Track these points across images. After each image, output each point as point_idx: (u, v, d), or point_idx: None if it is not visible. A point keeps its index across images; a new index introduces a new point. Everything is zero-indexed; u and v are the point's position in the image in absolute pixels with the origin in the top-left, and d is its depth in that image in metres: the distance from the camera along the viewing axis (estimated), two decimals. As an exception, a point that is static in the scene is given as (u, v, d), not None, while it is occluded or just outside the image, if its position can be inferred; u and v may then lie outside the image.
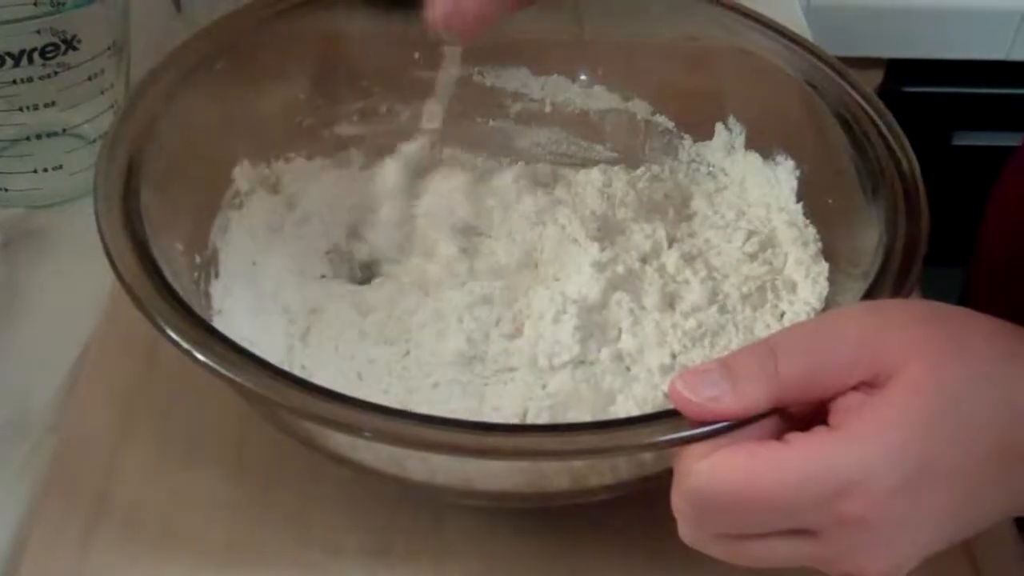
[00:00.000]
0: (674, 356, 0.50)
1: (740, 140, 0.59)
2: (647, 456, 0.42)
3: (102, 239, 0.44)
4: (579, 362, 0.49)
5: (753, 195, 0.58)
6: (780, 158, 0.57)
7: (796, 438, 0.37)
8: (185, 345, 0.40)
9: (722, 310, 0.52)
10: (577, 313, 0.50)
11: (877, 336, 0.37)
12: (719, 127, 0.60)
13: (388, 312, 0.52)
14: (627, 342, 0.50)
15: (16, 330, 0.57)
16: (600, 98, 0.62)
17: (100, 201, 0.45)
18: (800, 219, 0.56)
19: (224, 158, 0.55)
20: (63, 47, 0.58)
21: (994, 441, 0.37)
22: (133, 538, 0.47)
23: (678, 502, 0.38)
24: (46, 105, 0.60)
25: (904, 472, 0.36)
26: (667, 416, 0.39)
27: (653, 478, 0.44)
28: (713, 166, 0.60)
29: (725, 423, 0.37)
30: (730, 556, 0.38)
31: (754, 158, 0.58)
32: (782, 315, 0.52)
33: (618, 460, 0.43)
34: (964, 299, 0.74)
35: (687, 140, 0.61)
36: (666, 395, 0.47)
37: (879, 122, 0.52)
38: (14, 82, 0.58)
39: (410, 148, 0.57)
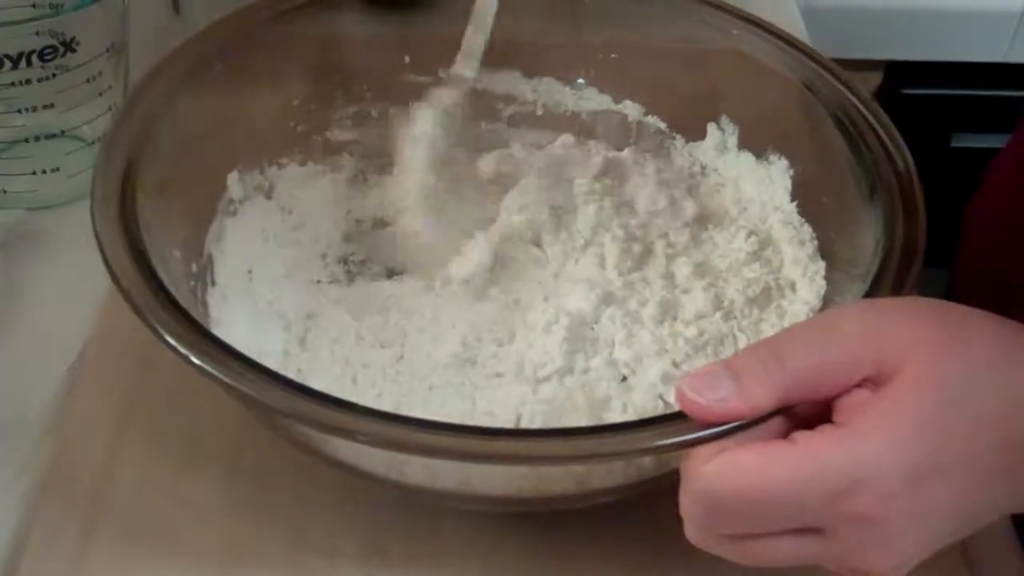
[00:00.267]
0: (676, 365, 0.50)
1: (733, 140, 0.59)
2: (649, 459, 0.42)
3: (99, 243, 0.44)
4: (566, 373, 0.49)
5: (748, 195, 0.58)
6: (773, 157, 0.57)
7: (802, 437, 0.37)
8: (182, 349, 0.40)
9: (727, 316, 0.52)
10: (568, 325, 0.50)
11: (879, 334, 0.38)
12: (711, 127, 0.60)
13: (384, 316, 0.52)
14: (621, 353, 0.50)
15: (14, 331, 0.57)
16: (591, 100, 0.62)
17: (97, 203, 0.45)
18: (795, 218, 0.56)
19: (221, 162, 0.55)
20: (62, 49, 0.59)
21: (994, 434, 0.37)
22: (130, 540, 0.47)
23: (687, 504, 0.38)
24: (45, 107, 0.60)
25: (910, 468, 0.36)
26: (671, 419, 0.39)
27: (652, 481, 0.44)
28: (706, 166, 0.60)
29: (731, 424, 0.37)
30: (737, 556, 0.39)
31: (747, 158, 0.59)
32: (784, 315, 0.52)
33: (622, 464, 0.43)
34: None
35: (679, 140, 0.61)
36: (668, 404, 0.48)
37: (875, 124, 0.52)
38: (13, 84, 0.59)
39: (442, 95, 0.56)
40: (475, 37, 0.55)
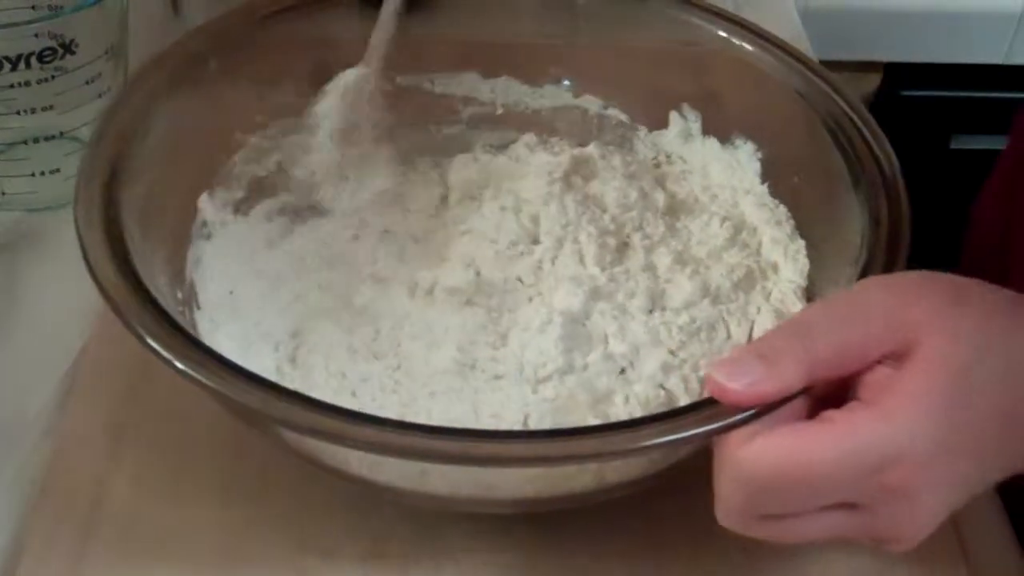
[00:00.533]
0: (672, 353, 0.50)
1: (696, 127, 0.59)
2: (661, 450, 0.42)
3: (89, 269, 0.44)
4: (565, 371, 0.49)
5: (716, 180, 0.58)
6: (739, 141, 0.58)
7: (834, 416, 0.38)
8: (180, 365, 0.40)
9: (715, 302, 0.52)
10: (562, 324, 0.50)
11: (897, 311, 0.39)
12: (674, 115, 0.60)
13: (374, 327, 0.52)
14: (617, 346, 0.50)
15: (12, 334, 0.57)
16: (550, 96, 0.62)
17: (80, 205, 0.46)
18: (769, 200, 0.56)
19: (196, 183, 0.54)
20: (61, 51, 0.59)
21: (1003, 404, 0.39)
22: (128, 543, 0.47)
23: (726, 489, 0.39)
24: (44, 109, 0.60)
25: (936, 439, 0.38)
26: (702, 407, 0.39)
27: (663, 473, 0.44)
28: (671, 154, 0.60)
29: (761, 408, 0.38)
30: (774, 536, 0.40)
31: (712, 143, 0.59)
32: (769, 295, 0.53)
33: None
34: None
35: (642, 131, 0.61)
36: (669, 392, 0.48)
37: (852, 115, 0.52)
38: (12, 86, 0.59)
39: (348, 77, 0.56)
40: (378, 34, 0.56)
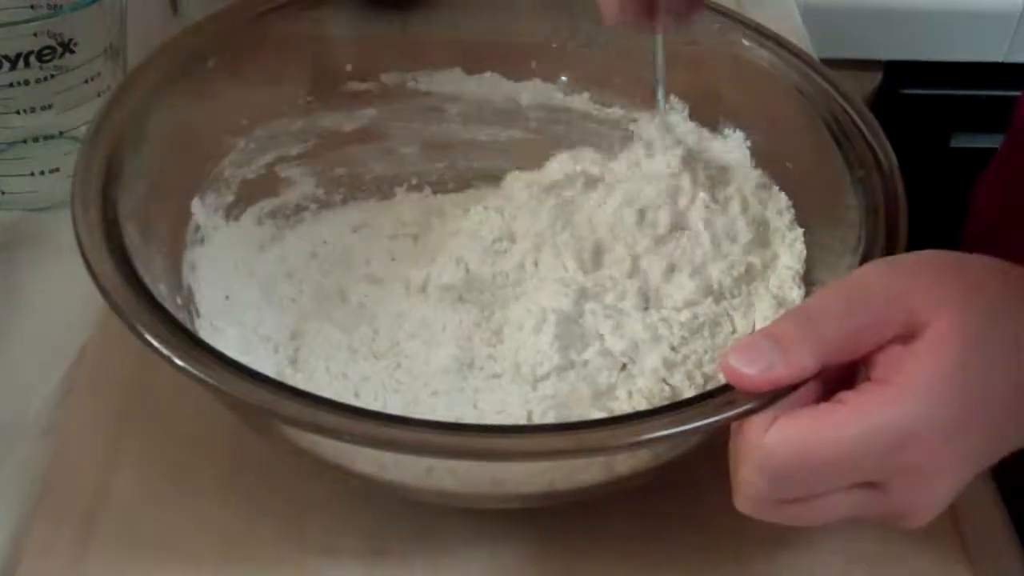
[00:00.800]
0: (674, 349, 0.50)
1: (684, 116, 0.59)
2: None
3: (86, 263, 0.44)
4: (565, 368, 0.49)
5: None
6: (728, 130, 0.58)
7: (849, 397, 0.38)
8: (180, 362, 0.40)
9: (718, 299, 0.53)
10: (556, 322, 0.50)
11: (907, 293, 0.39)
12: (665, 108, 0.59)
13: (372, 326, 0.52)
14: (615, 343, 0.50)
15: (12, 333, 0.57)
16: (537, 92, 0.62)
17: (77, 204, 0.45)
18: (769, 184, 0.56)
19: (189, 188, 0.54)
20: (60, 50, 0.59)
21: (1013, 378, 0.39)
22: (129, 541, 0.47)
23: (747, 475, 0.39)
24: (43, 108, 0.60)
25: (951, 416, 0.38)
26: (713, 396, 0.40)
27: (669, 464, 0.44)
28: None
29: (777, 392, 0.38)
30: (794, 519, 0.40)
31: (704, 133, 0.58)
32: (768, 282, 0.53)
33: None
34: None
35: (636, 124, 0.60)
36: (672, 387, 0.49)
37: (852, 112, 0.52)
38: (11, 85, 0.59)
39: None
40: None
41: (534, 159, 0.59)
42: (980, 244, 0.60)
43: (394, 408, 0.48)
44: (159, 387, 0.52)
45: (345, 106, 0.59)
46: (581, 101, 0.62)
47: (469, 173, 0.62)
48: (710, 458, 0.42)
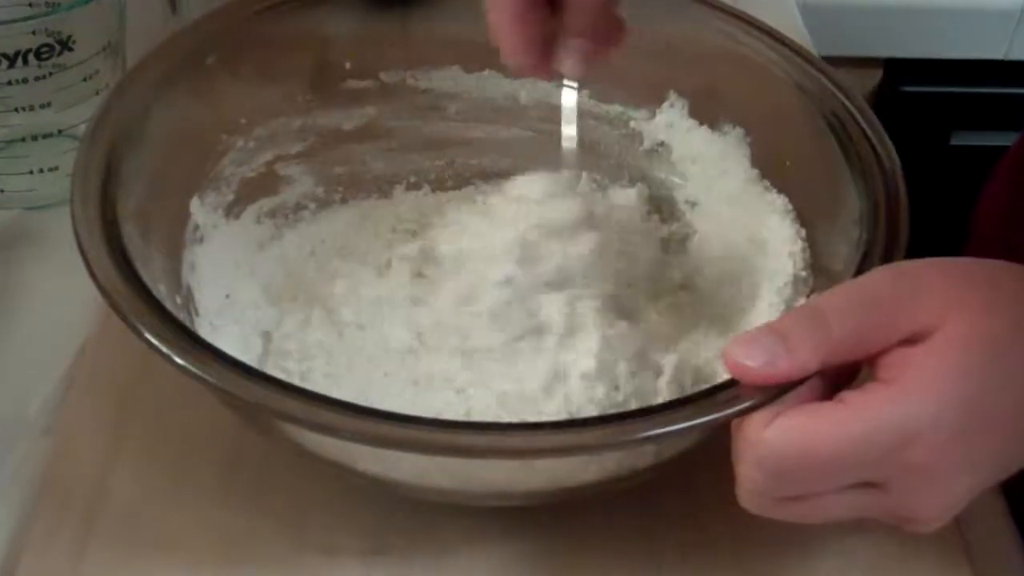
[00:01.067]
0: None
1: (684, 114, 0.59)
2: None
3: (85, 262, 0.44)
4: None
5: (710, 167, 0.58)
6: (727, 128, 0.57)
7: (853, 396, 0.38)
8: (179, 360, 0.40)
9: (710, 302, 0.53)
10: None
11: (914, 299, 0.39)
12: (665, 105, 0.59)
13: (371, 326, 0.52)
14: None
15: (11, 332, 0.57)
16: (536, 90, 0.61)
17: (76, 203, 0.45)
18: (766, 186, 0.56)
19: (188, 186, 0.54)
20: (58, 48, 0.59)
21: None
22: (128, 540, 0.47)
23: (748, 471, 0.39)
24: (41, 106, 0.60)
25: (958, 419, 0.38)
26: (719, 390, 0.39)
27: (668, 462, 0.44)
28: (660, 143, 0.60)
29: (779, 388, 0.38)
30: (797, 516, 0.40)
31: (703, 131, 0.58)
32: (769, 280, 0.53)
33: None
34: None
35: (635, 121, 0.60)
36: (670, 384, 0.48)
37: (852, 109, 0.52)
38: (9, 83, 0.59)
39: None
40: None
41: (534, 157, 0.59)
42: (988, 246, 0.60)
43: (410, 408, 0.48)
44: (159, 386, 0.52)
45: (344, 104, 0.59)
46: (580, 98, 0.62)
47: (468, 171, 0.62)
48: (710, 459, 0.41)
